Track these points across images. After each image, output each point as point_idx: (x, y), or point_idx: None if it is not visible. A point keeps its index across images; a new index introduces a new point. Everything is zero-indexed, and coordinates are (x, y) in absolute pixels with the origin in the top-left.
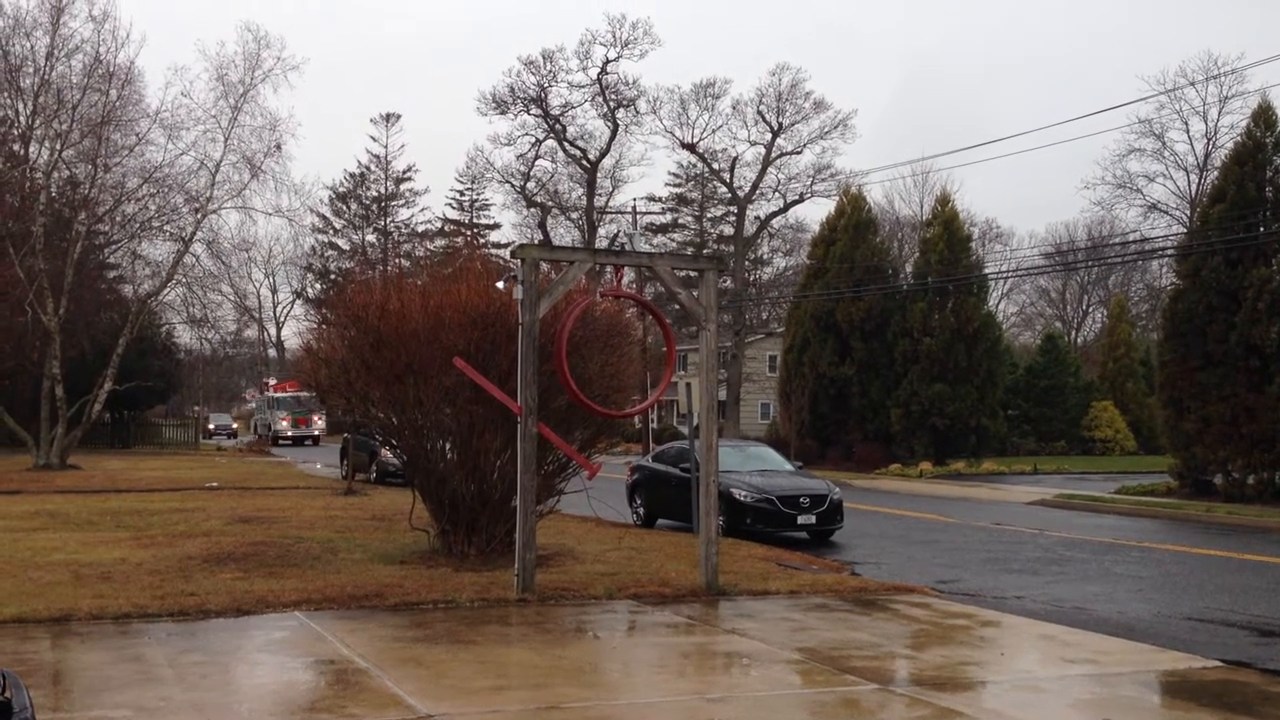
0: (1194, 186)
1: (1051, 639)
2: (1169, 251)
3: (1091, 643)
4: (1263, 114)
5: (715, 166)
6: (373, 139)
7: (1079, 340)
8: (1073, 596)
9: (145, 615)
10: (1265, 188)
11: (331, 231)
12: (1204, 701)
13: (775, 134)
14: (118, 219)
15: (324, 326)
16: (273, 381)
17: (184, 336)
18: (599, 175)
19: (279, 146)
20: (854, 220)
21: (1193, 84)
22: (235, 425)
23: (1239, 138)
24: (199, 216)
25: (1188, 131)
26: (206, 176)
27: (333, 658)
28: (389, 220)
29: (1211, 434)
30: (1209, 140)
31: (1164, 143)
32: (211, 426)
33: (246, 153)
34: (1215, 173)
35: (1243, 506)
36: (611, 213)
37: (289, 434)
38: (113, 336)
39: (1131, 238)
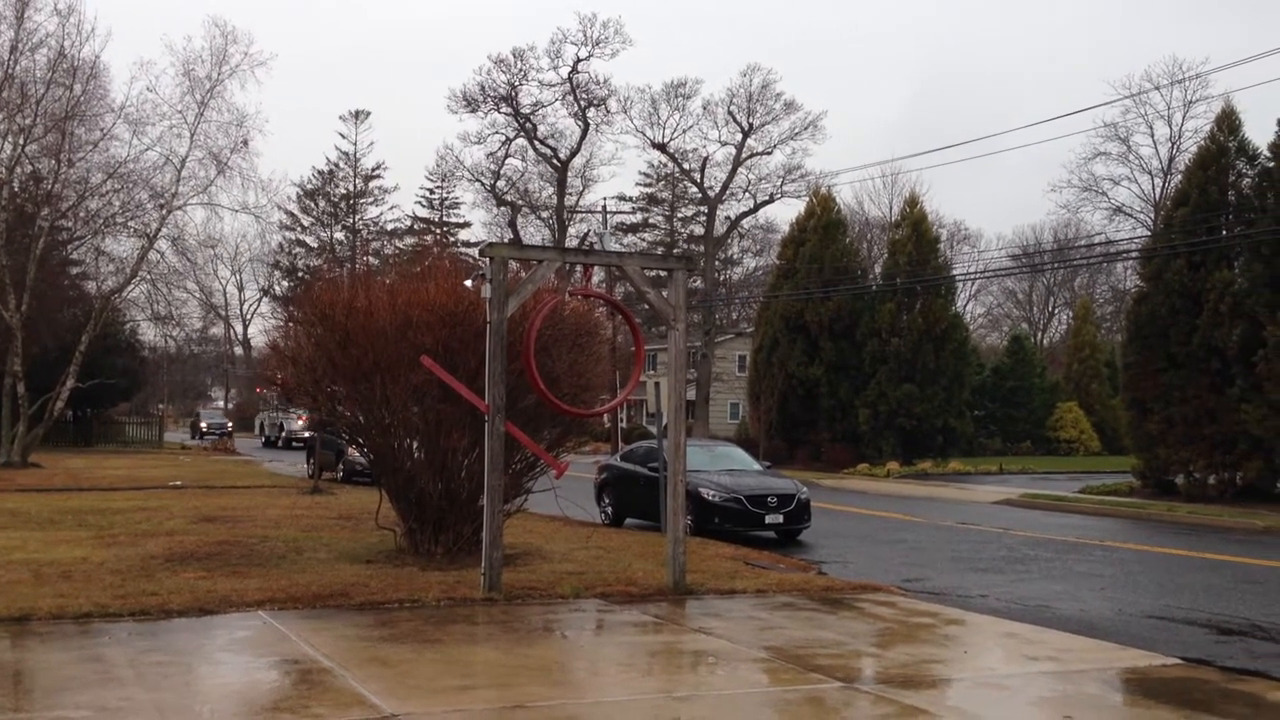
0: (1158, 190)
1: (1015, 637)
2: (1133, 254)
3: (1054, 640)
4: (1226, 118)
5: (686, 166)
6: (342, 136)
7: (1045, 341)
8: (1036, 595)
9: (107, 615)
10: (1228, 192)
11: (299, 229)
12: (1164, 699)
13: (746, 134)
14: (81, 215)
15: (290, 324)
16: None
17: (148, 334)
18: (569, 174)
19: (246, 142)
20: (824, 221)
21: (1157, 88)
22: (230, 425)
23: (1202, 142)
24: (164, 213)
25: (1152, 135)
26: (172, 172)
27: (296, 657)
28: (358, 218)
29: (1174, 435)
30: (1173, 144)
31: (1129, 146)
32: (204, 426)
33: (213, 148)
34: (1179, 176)
35: (1204, 506)
36: (582, 212)
37: (305, 435)
38: (76, 333)
39: (1097, 240)
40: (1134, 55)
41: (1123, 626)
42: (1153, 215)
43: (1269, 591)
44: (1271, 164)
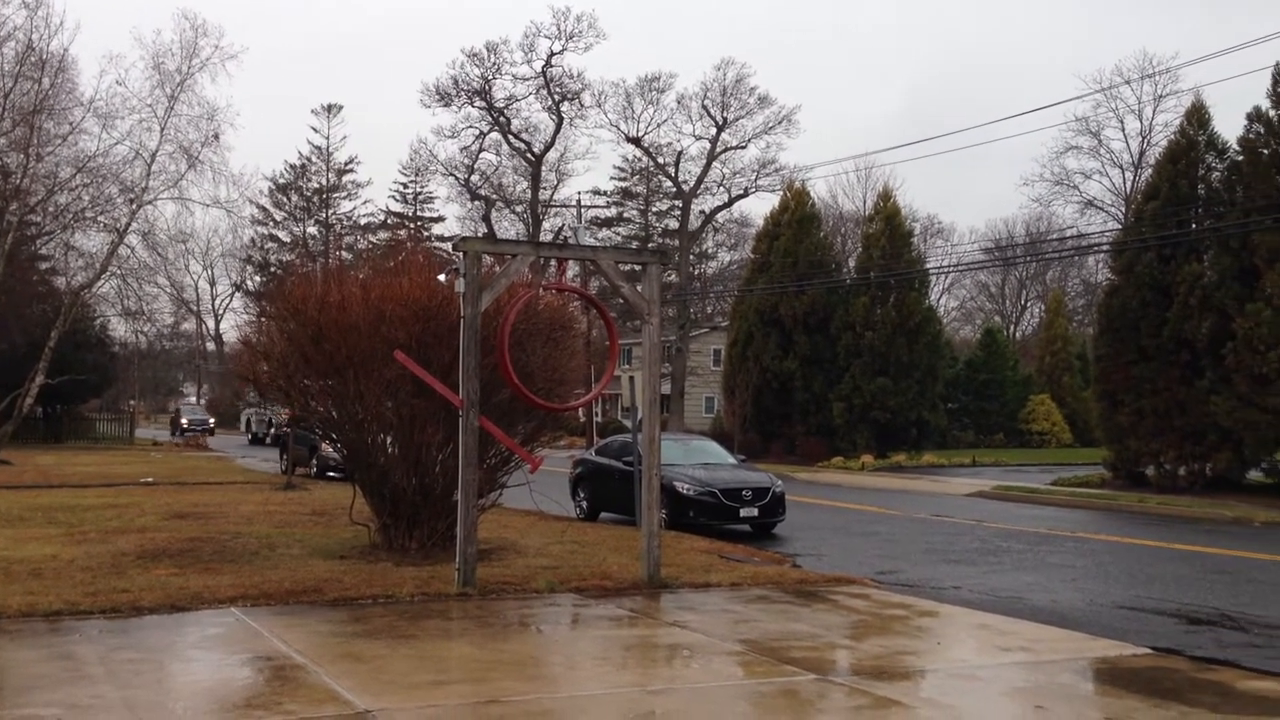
0: (1129, 184)
1: (987, 628)
2: (1104, 248)
3: (1026, 631)
4: (1196, 113)
5: (660, 160)
6: (314, 130)
7: (1017, 335)
8: (1008, 586)
9: (77, 612)
10: (1197, 185)
11: (272, 223)
12: (1134, 688)
13: (720, 128)
14: (50, 209)
15: (263, 319)
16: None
17: (119, 329)
18: (544, 168)
19: (217, 136)
20: (798, 215)
21: (1128, 82)
22: (213, 421)
23: (1172, 136)
24: (134, 207)
25: (1123, 130)
26: (142, 166)
27: (269, 654)
28: (330, 212)
29: (1144, 427)
30: (1144, 138)
31: (1100, 140)
32: (185, 422)
33: (183, 142)
34: (1149, 170)
35: (1174, 497)
36: (556, 206)
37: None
38: (45, 329)
39: (1068, 234)
40: (1106, 50)
41: (1094, 617)
42: (1123, 209)
43: (1238, 582)
44: (1240, 158)
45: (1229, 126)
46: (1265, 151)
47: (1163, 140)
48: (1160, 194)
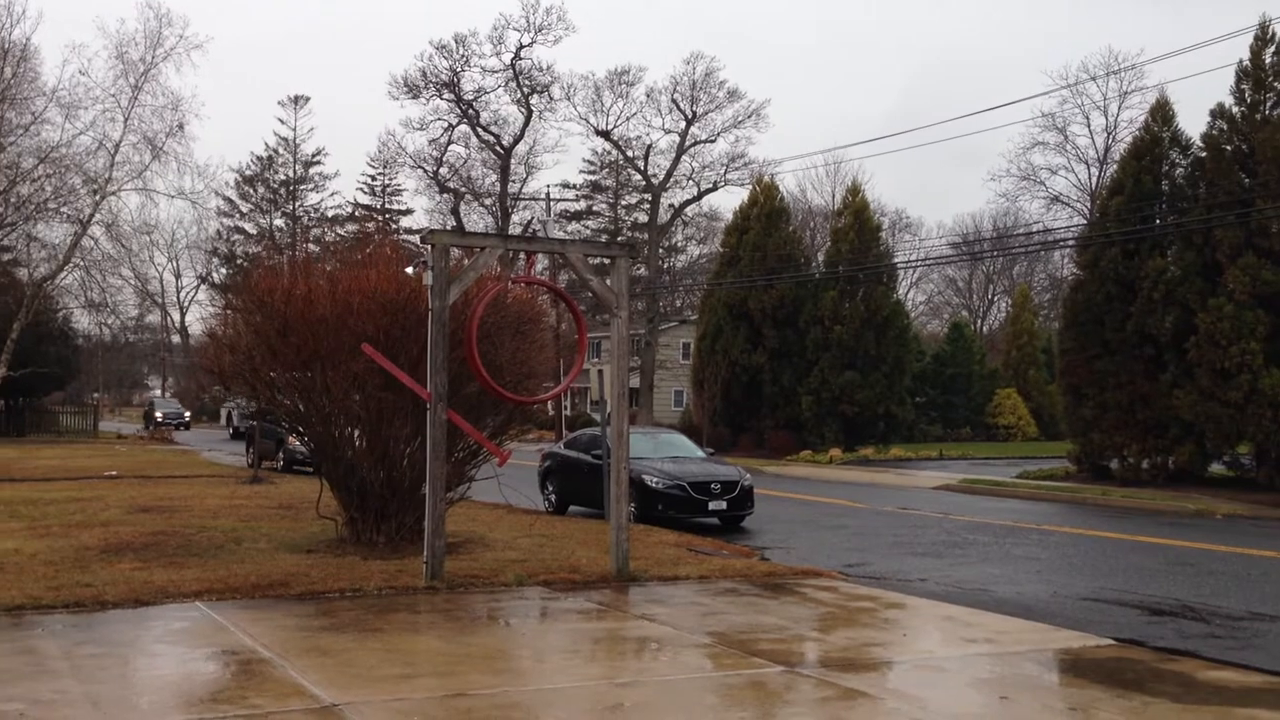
0: (1094, 179)
1: (953, 620)
2: (1070, 243)
3: (991, 623)
4: (1160, 109)
5: (630, 154)
6: (281, 121)
7: (984, 329)
8: (974, 578)
9: (39, 607)
10: (1161, 181)
11: (238, 215)
12: (1097, 679)
13: (689, 122)
14: (12, 200)
15: (228, 312)
16: None
17: (82, 321)
18: (513, 161)
19: (181, 127)
20: (767, 209)
21: (1094, 79)
22: (188, 414)
23: (1137, 132)
24: (97, 198)
25: (1089, 126)
26: (105, 157)
27: (235, 648)
28: (297, 204)
29: (1108, 420)
30: (1109, 134)
31: (1066, 137)
32: (159, 415)
33: (148, 133)
34: (1115, 166)
35: (1137, 490)
36: (525, 199)
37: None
38: (7, 321)
39: (1035, 229)
40: (1073, 47)
41: (1058, 608)
42: (1089, 204)
43: (1199, 573)
44: (1204, 154)
45: (1193, 123)
46: (1228, 148)
47: (1128, 136)
48: (1125, 190)
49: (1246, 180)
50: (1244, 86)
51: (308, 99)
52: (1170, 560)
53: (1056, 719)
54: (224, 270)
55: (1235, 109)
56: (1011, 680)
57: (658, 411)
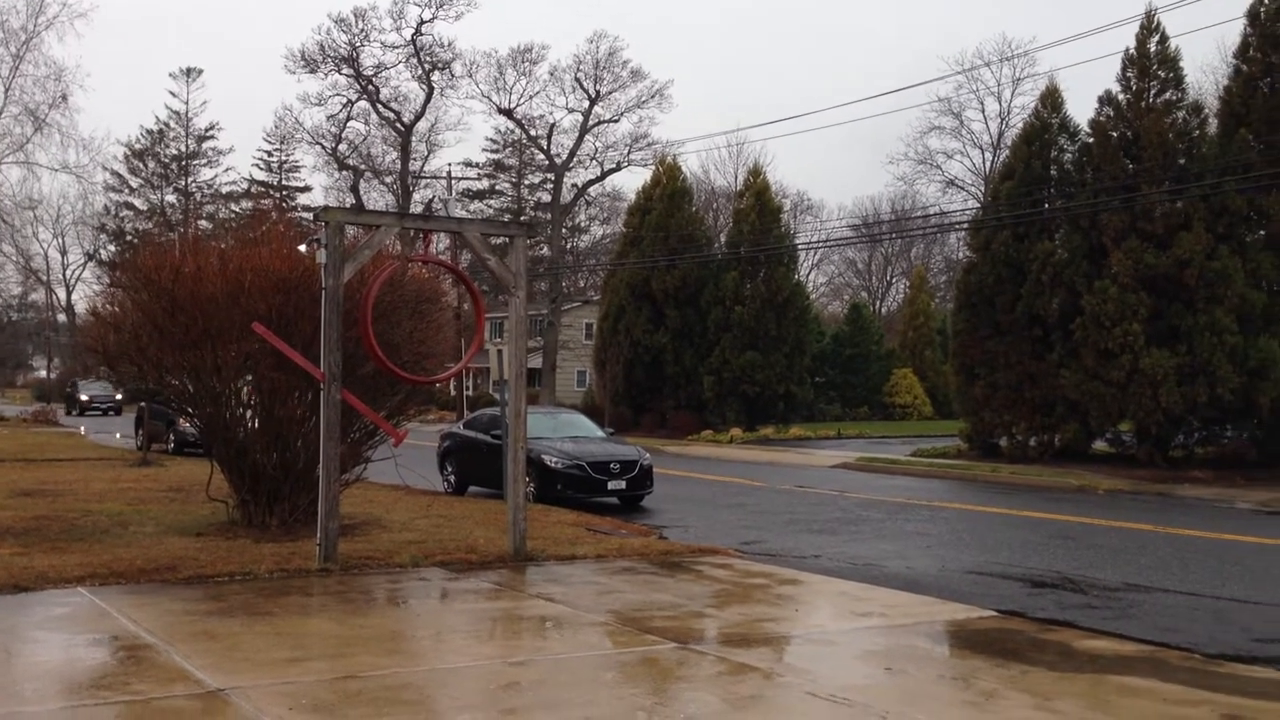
0: (989, 164)
1: (845, 595)
2: (964, 226)
3: (881, 597)
4: (1050, 96)
5: (533, 133)
6: (172, 94)
7: (883, 310)
8: (866, 554)
9: None
10: (1050, 167)
11: (127, 190)
12: (978, 649)
13: (593, 102)
14: None
15: (114, 289)
16: None
17: None
18: (414, 139)
19: (65, 98)
20: (669, 189)
21: (988, 65)
22: (120, 396)
23: (1028, 118)
24: None
25: (983, 111)
26: None
27: (118, 634)
28: (190, 180)
29: (998, 399)
30: (1002, 120)
31: (962, 122)
32: (84, 398)
33: (29, 104)
34: (1007, 151)
35: (1025, 467)
36: (427, 178)
37: None
38: None
39: (931, 212)
40: (970, 33)
41: (945, 582)
42: (983, 188)
43: (1080, 546)
44: (1091, 140)
45: (1085, 109)
46: (1114, 134)
47: (1020, 122)
48: (1015, 174)
49: (1131, 166)
50: (1130, 74)
51: (200, 71)
52: (1053, 534)
53: (939, 688)
54: (113, 247)
55: (1121, 96)
56: (898, 652)
57: (560, 392)
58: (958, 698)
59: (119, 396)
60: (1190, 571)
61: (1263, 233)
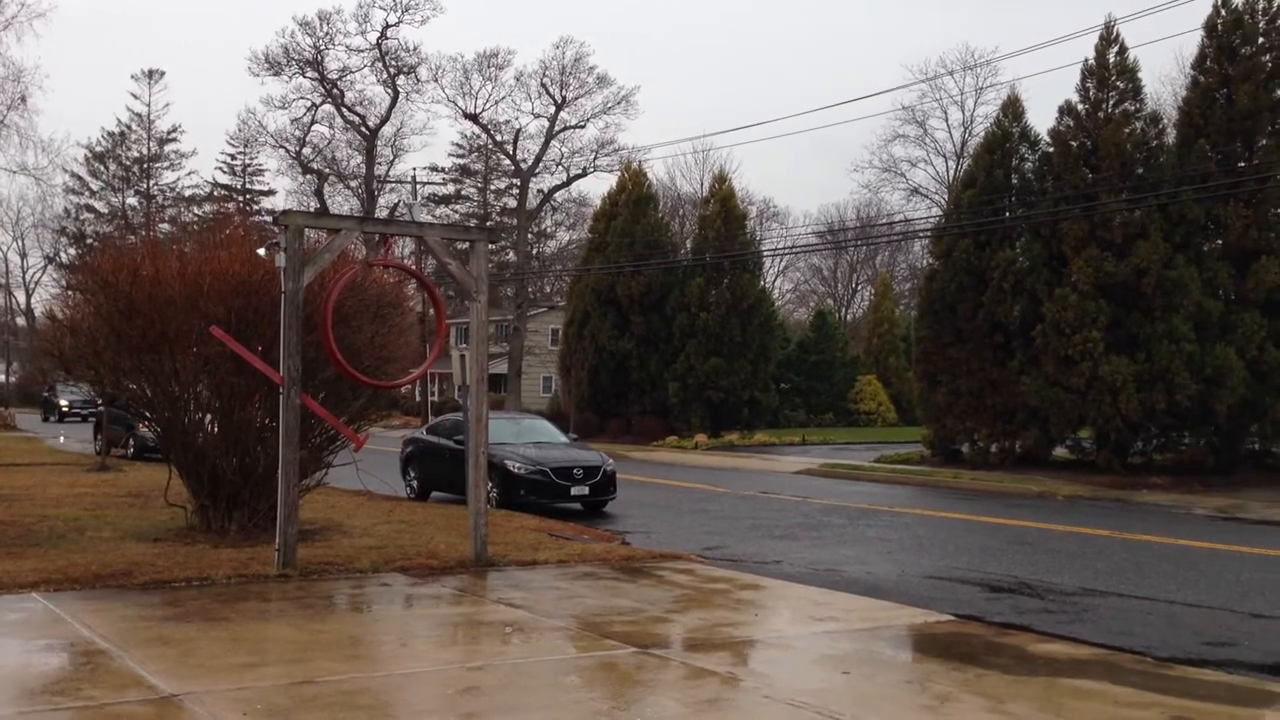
0: (952, 172)
1: (805, 600)
2: (927, 233)
3: (840, 602)
4: (1011, 105)
5: (499, 138)
6: (134, 96)
7: (848, 317)
8: (827, 559)
9: None
10: (1011, 175)
11: (88, 193)
12: (935, 653)
13: (559, 107)
14: None
15: (70, 292)
16: None
17: None
18: (379, 143)
19: (24, 99)
20: (635, 195)
21: (951, 74)
22: (100, 402)
23: (990, 127)
24: None
25: (946, 120)
26: None
27: (72, 639)
28: (152, 183)
29: (960, 406)
30: (965, 129)
31: (926, 130)
32: (64, 404)
33: None
34: (970, 160)
35: (986, 473)
36: (392, 182)
37: None
38: None
39: (896, 220)
40: (933, 42)
41: (904, 587)
42: (946, 196)
43: (1037, 552)
44: (1051, 149)
45: (1046, 119)
46: (1074, 143)
47: (982, 131)
48: (977, 183)
49: (1090, 175)
50: (1089, 84)
51: (163, 73)
52: (1012, 540)
53: (895, 691)
54: (73, 250)
55: (1081, 106)
56: (855, 657)
57: (526, 398)
58: (913, 701)
59: (100, 402)
60: (1145, 576)
61: (1220, 242)
